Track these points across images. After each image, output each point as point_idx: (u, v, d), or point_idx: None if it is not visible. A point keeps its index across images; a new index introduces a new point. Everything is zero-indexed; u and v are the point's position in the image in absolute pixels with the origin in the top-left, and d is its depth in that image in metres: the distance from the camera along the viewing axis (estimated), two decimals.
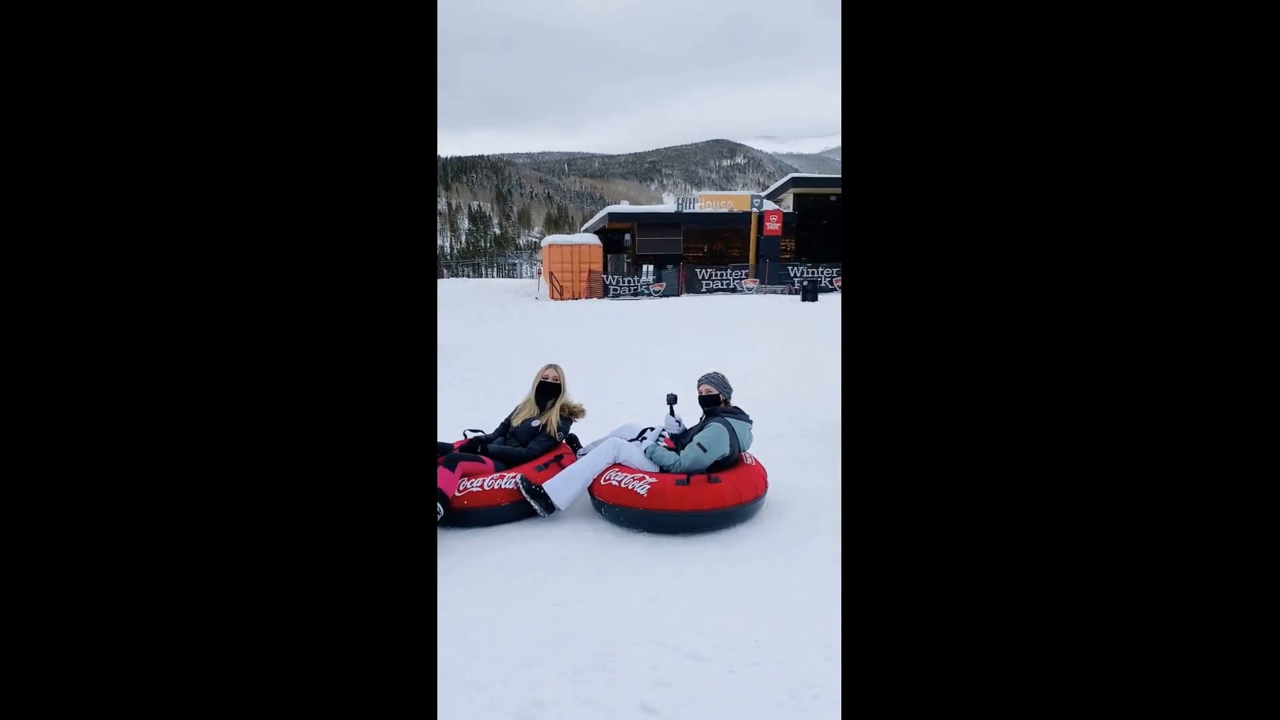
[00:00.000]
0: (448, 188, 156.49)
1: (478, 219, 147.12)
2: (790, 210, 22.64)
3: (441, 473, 2.68)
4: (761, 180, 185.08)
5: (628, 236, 23.05)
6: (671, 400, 3.18)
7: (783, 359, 7.06)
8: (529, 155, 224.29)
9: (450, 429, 3.54)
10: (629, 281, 19.75)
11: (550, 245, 21.20)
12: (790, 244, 22.44)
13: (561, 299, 19.14)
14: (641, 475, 2.67)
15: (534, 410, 3.14)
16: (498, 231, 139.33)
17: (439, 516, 2.57)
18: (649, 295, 19.01)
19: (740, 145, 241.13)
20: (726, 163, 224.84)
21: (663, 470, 2.77)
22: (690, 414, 3.25)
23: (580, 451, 3.15)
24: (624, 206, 24.90)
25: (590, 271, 20.22)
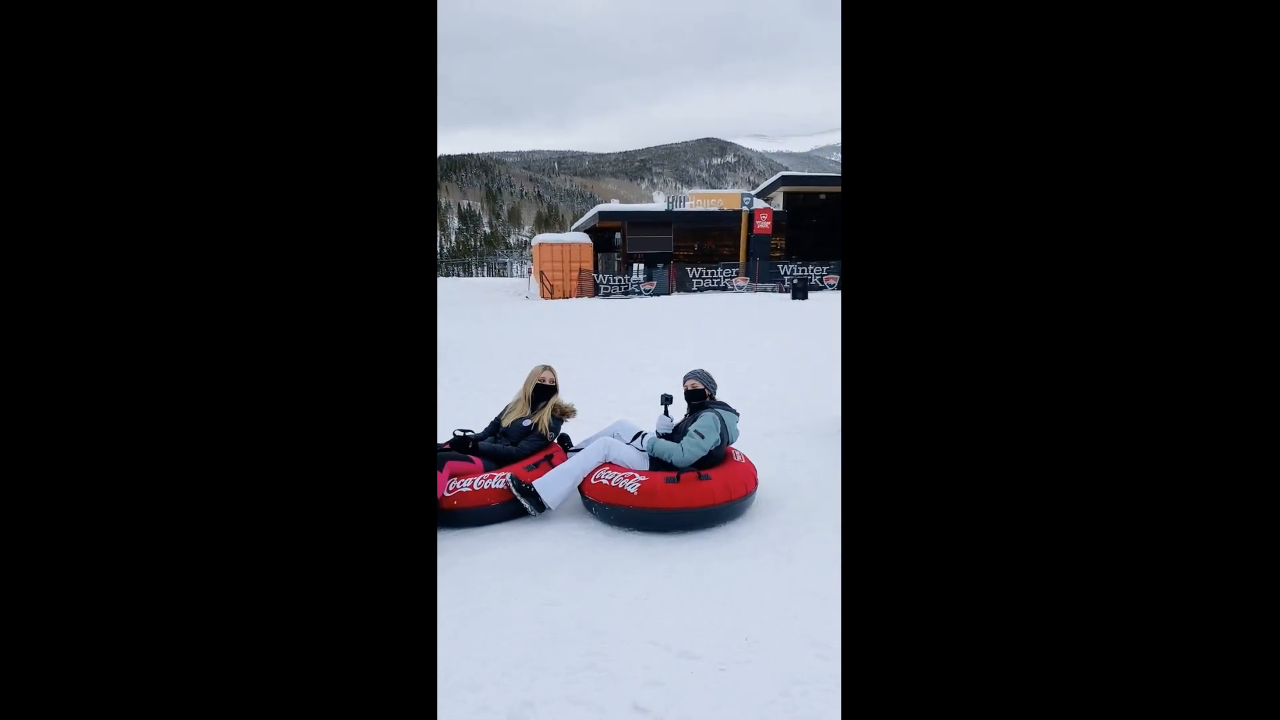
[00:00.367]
0: (438, 186, 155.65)
1: (468, 218, 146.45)
2: (780, 209, 22.71)
3: None
4: (752, 179, 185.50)
5: (618, 235, 23.03)
6: (666, 400, 3.19)
7: (773, 357, 7.08)
8: (519, 154, 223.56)
9: (439, 428, 3.52)
10: (620, 280, 19.74)
11: (541, 244, 21.15)
12: (780, 242, 22.51)
13: (552, 298, 19.10)
14: (632, 473, 2.67)
15: (525, 410, 3.13)
16: (488, 230, 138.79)
17: None
18: (640, 294, 19.00)
19: (730, 144, 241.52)
20: (717, 161, 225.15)
21: (661, 463, 2.77)
22: (680, 412, 3.25)
23: (572, 450, 3.14)
24: (614, 205, 24.88)
25: (581, 270, 20.19)
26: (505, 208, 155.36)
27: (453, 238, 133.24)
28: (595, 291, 19.33)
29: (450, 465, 2.74)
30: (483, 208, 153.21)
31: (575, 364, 6.44)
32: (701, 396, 2.99)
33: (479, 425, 3.52)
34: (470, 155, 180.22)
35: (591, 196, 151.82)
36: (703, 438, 2.76)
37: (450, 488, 2.69)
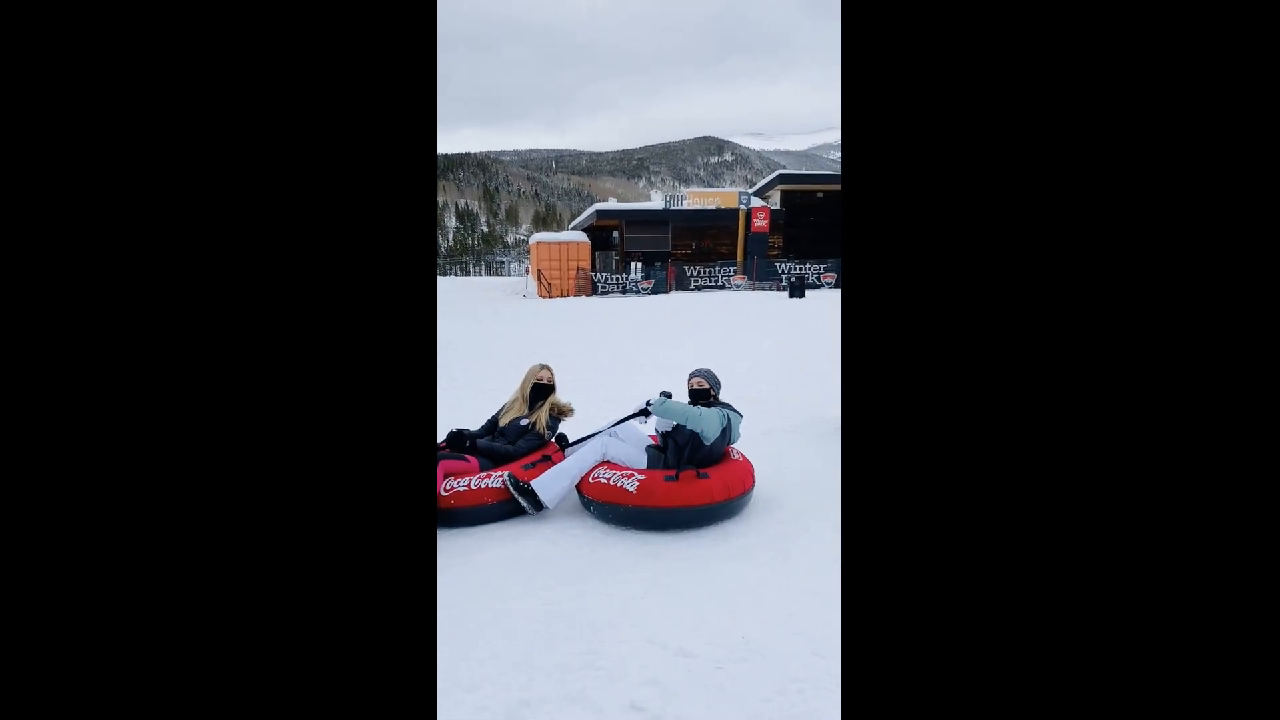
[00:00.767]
0: (438, 186, 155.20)
1: (465, 217, 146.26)
2: (778, 207, 22.71)
3: None
4: (749, 177, 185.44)
5: (616, 234, 23.02)
6: (666, 397, 3.18)
7: (771, 355, 7.08)
8: (516, 153, 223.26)
9: (437, 428, 3.51)
10: (617, 279, 19.73)
11: (538, 243, 21.12)
12: (778, 240, 22.51)
13: (550, 297, 19.09)
14: (630, 472, 2.67)
15: (523, 409, 3.13)
16: (485, 229, 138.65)
17: None
18: (637, 292, 19.00)
19: (728, 142, 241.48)
20: (714, 160, 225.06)
21: (658, 461, 2.77)
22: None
23: (569, 447, 3.14)
24: (612, 204, 24.88)
25: (578, 269, 20.18)
26: (503, 207, 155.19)
27: (450, 237, 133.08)
28: (593, 290, 19.32)
29: (445, 465, 2.74)
30: (480, 207, 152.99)
31: (572, 364, 6.43)
32: (706, 396, 2.97)
33: (476, 425, 3.52)
34: (467, 154, 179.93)
35: (589, 195, 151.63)
36: (700, 415, 2.74)
37: (447, 487, 2.69)
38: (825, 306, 12.31)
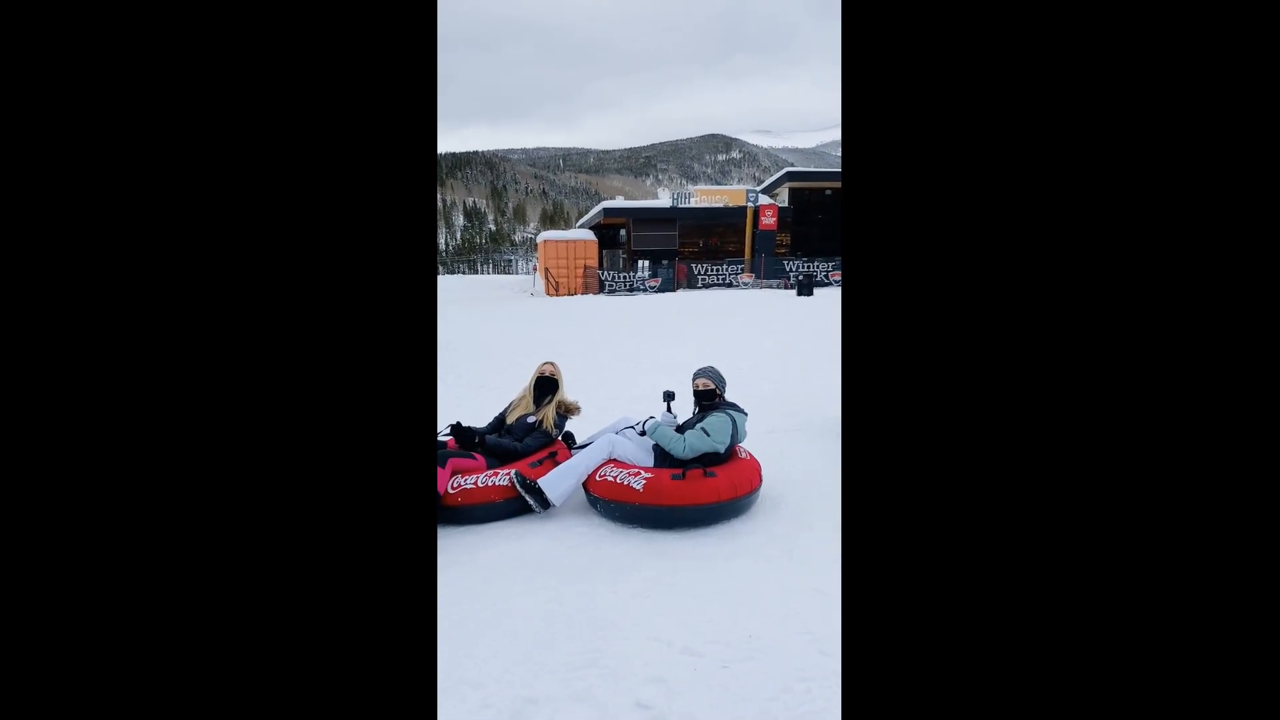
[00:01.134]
0: (442, 184, 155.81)
1: (473, 215, 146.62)
2: (785, 205, 22.63)
3: None
4: (757, 175, 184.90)
5: (623, 232, 23.01)
6: (669, 397, 3.17)
7: (777, 354, 7.06)
8: (524, 151, 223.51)
9: (442, 425, 3.53)
10: (625, 277, 19.73)
11: (546, 241, 21.15)
12: (786, 238, 22.44)
13: (557, 295, 19.11)
14: (637, 470, 2.67)
15: (530, 406, 3.13)
16: (493, 228, 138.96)
17: None
18: (645, 291, 18.99)
19: (735, 140, 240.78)
20: (722, 157, 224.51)
21: (661, 458, 2.77)
22: (685, 410, 3.24)
23: (576, 447, 3.14)
24: (619, 202, 24.86)
25: (586, 267, 20.19)
26: (510, 205, 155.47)
27: (458, 235, 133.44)
28: (600, 288, 19.33)
29: (453, 462, 2.75)
30: (488, 205, 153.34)
31: (579, 361, 6.44)
32: (712, 396, 2.94)
33: (482, 422, 3.53)
34: (475, 153, 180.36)
35: (596, 193, 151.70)
36: (708, 435, 2.72)
37: (454, 484, 2.70)
38: (832, 305, 12.25)
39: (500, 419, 3.20)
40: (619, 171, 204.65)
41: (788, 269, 19.72)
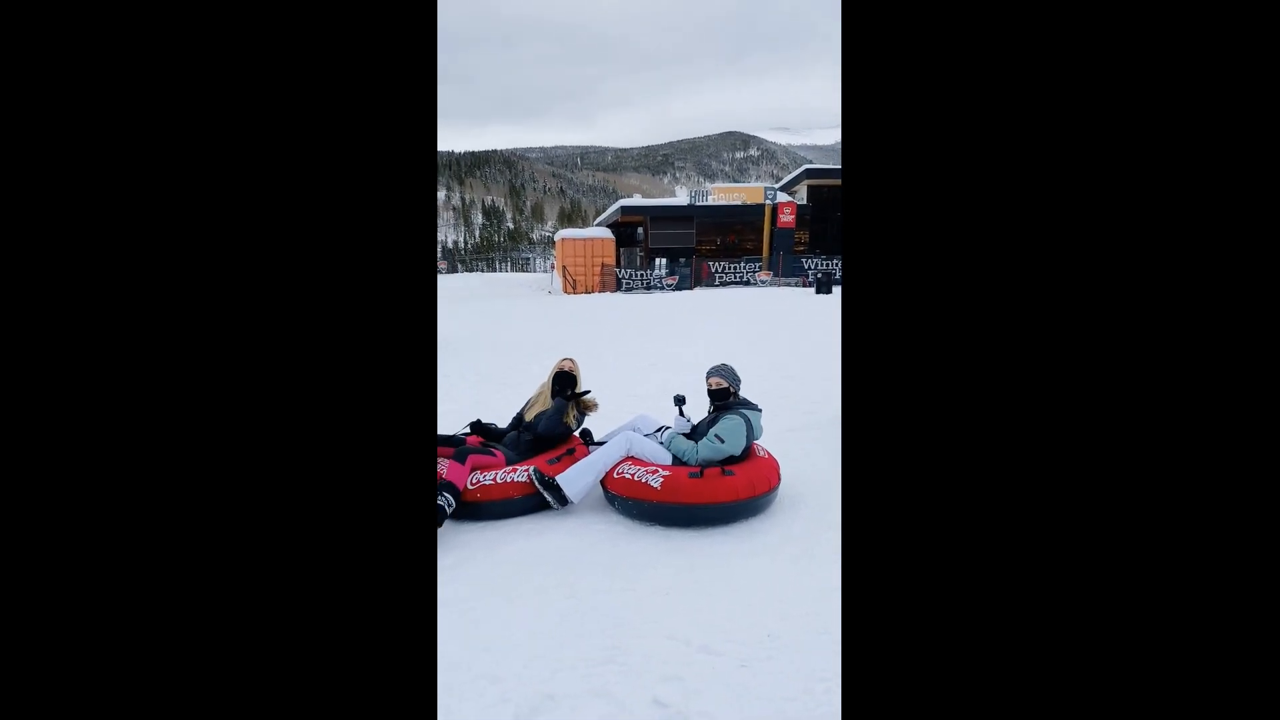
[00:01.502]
0: (461, 182, 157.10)
1: (491, 214, 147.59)
2: (804, 202, 22.44)
3: (451, 466, 2.69)
4: (775, 172, 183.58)
5: (640, 230, 23.00)
6: (680, 401, 3.17)
7: (795, 352, 7.00)
8: (542, 149, 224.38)
9: (461, 423, 3.55)
10: (642, 275, 19.72)
11: (563, 239, 21.21)
12: (804, 236, 22.25)
13: (574, 293, 19.16)
14: (654, 468, 2.66)
15: (548, 403, 3.14)
16: (511, 226, 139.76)
17: (450, 509, 2.58)
18: (662, 289, 18.96)
19: (753, 137, 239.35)
20: (740, 155, 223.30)
21: (677, 461, 2.76)
22: (698, 409, 3.23)
23: (594, 444, 3.14)
24: (637, 200, 24.85)
25: (603, 265, 20.22)
26: (528, 203, 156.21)
27: (477, 233, 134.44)
28: (617, 286, 19.35)
29: (473, 459, 2.77)
30: (506, 203, 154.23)
31: (596, 359, 6.44)
32: (726, 395, 2.91)
33: (502, 419, 3.55)
34: (494, 151, 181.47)
35: (613, 191, 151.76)
36: (722, 442, 2.70)
37: (473, 480, 2.71)
38: None
39: (519, 416, 3.22)
40: (636, 169, 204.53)
41: (806, 267, 19.56)
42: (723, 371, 2.97)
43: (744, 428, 2.74)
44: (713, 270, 19.75)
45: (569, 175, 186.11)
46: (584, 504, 2.86)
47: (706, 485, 2.54)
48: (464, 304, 13.93)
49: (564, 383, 3.08)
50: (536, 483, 2.71)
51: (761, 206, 21.19)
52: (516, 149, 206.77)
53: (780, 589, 2.08)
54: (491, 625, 1.90)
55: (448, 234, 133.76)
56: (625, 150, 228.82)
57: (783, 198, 21.41)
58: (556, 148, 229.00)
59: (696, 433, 2.93)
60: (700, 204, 22.00)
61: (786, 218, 20.67)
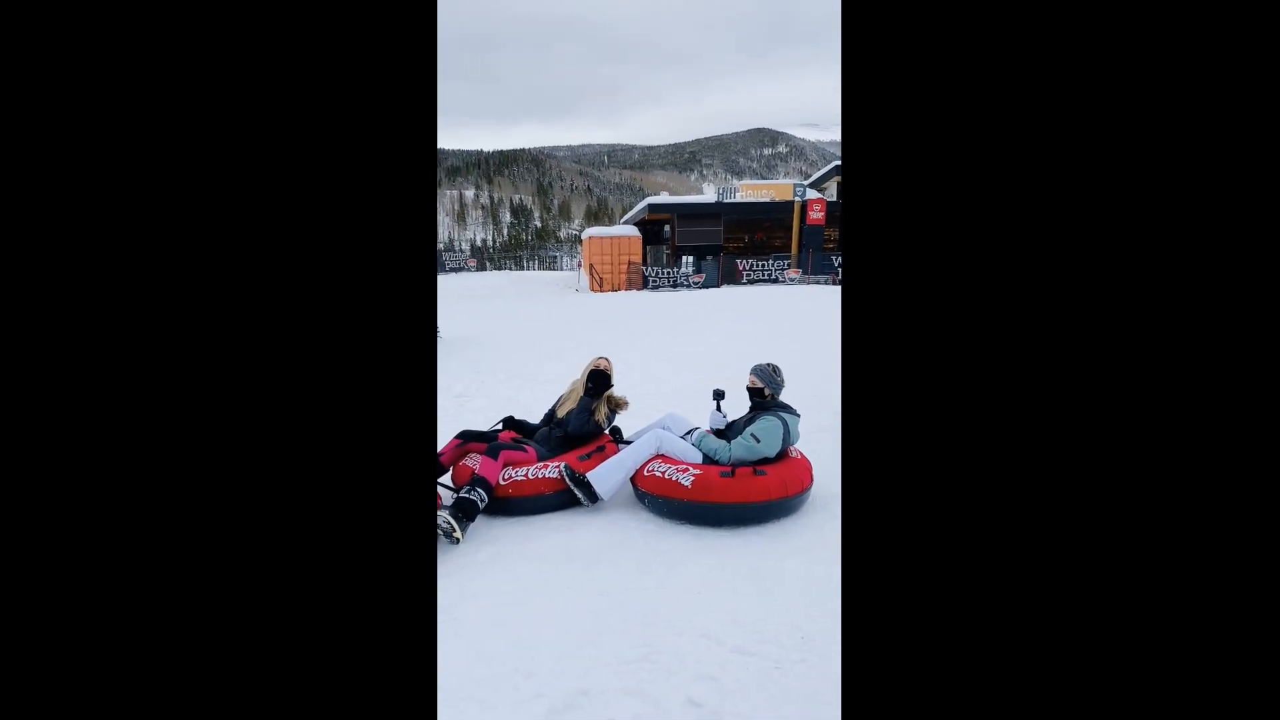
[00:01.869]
0: (490, 181, 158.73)
1: (519, 212, 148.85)
2: (834, 199, 22.13)
3: (485, 461, 2.72)
4: (804, 169, 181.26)
5: (667, 227, 22.94)
6: (719, 396, 3.14)
7: (826, 350, 6.90)
8: (569, 148, 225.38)
9: (494, 419, 3.59)
10: (668, 273, 19.67)
11: (590, 237, 21.27)
12: (833, 233, 21.94)
13: (601, 291, 19.21)
14: (685, 467, 2.65)
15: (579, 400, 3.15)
16: (539, 224, 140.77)
17: (484, 504, 2.60)
18: (688, 287, 18.90)
19: (782, 133, 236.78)
20: (768, 151, 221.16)
21: (708, 460, 2.74)
22: (736, 407, 3.20)
23: (623, 441, 3.14)
24: (664, 197, 24.77)
25: (630, 263, 20.22)
26: (556, 202, 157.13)
27: (505, 232, 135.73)
28: (644, 284, 19.34)
29: (505, 454, 2.79)
30: (534, 202, 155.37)
31: (624, 356, 6.45)
32: (761, 395, 2.88)
33: (528, 415, 3.57)
34: (522, 150, 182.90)
35: (640, 189, 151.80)
36: (758, 442, 2.66)
37: (505, 476, 2.74)
38: None
39: (551, 413, 3.24)
40: (663, 167, 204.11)
41: (836, 264, 19.28)
42: (758, 370, 2.92)
43: (780, 430, 2.69)
44: (739, 268, 19.60)
45: (596, 173, 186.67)
46: (614, 501, 2.86)
47: (738, 485, 2.52)
48: (492, 301, 14.07)
49: (599, 381, 3.08)
50: (567, 479, 2.72)
51: (790, 203, 20.96)
52: (544, 148, 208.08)
53: (814, 591, 2.05)
54: (524, 620, 1.92)
55: (476, 232, 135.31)
56: (652, 148, 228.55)
57: (812, 194, 21.14)
58: (584, 146, 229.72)
59: (732, 430, 2.90)
60: (728, 201, 21.86)
61: (816, 215, 20.41)
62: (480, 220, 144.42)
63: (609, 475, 2.76)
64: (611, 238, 20.92)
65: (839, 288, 15.99)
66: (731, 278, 19.50)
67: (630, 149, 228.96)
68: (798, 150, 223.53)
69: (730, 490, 2.52)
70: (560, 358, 6.37)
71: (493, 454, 2.75)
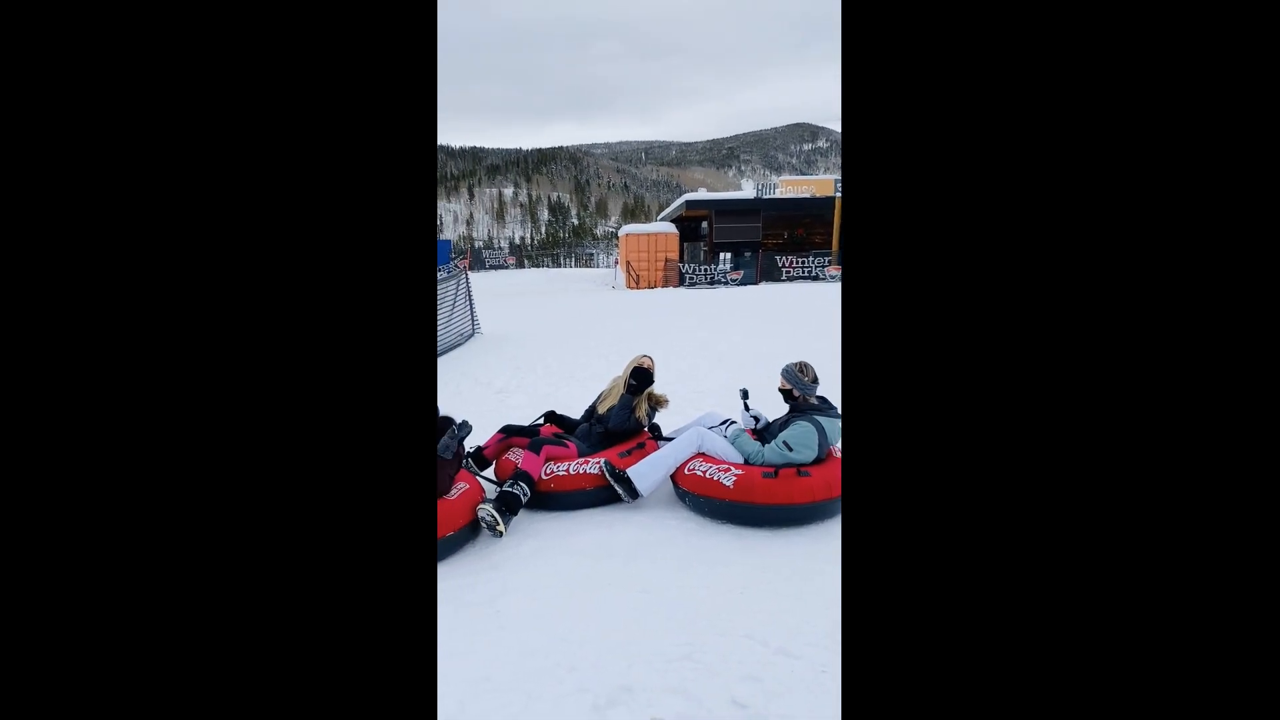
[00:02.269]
0: (528, 179, 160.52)
1: (556, 210, 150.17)
2: None
3: (527, 456, 2.75)
4: None
5: (705, 224, 22.81)
6: (744, 395, 3.11)
7: None
8: (606, 145, 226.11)
9: (533, 414, 3.62)
10: (705, 270, 19.56)
11: (627, 235, 21.31)
12: None
13: (637, 288, 19.23)
14: (727, 466, 2.63)
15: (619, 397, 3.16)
16: (576, 222, 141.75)
17: (526, 499, 2.64)
18: (726, 284, 18.76)
19: (821, 128, 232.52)
20: (808, 147, 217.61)
21: (745, 461, 2.71)
22: (769, 407, 3.17)
23: (662, 439, 3.14)
24: (701, 194, 24.64)
25: (666, 260, 20.18)
26: (593, 199, 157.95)
27: (543, 230, 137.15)
28: (680, 281, 19.28)
29: (546, 449, 2.82)
30: (571, 199, 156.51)
31: (659, 354, 6.44)
32: (792, 397, 2.82)
33: (565, 411, 3.60)
34: (560, 148, 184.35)
35: (678, 186, 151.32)
36: (790, 450, 2.60)
37: (547, 470, 2.77)
38: None
39: (591, 409, 3.26)
40: (700, 164, 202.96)
41: None
42: (785, 371, 2.84)
43: (814, 435, 2.61)
44: (778, 265, 19.35)
45: (633, 170, 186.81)
46: (653, 499, 2.86)
47: (781, 486, 2.49)
48: (529, 299, 14.24)
49: (641, 379, 3.08)
50: (608, 475, 2.73)
51: (831, 199, 20.59)
52: (582, 145, 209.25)
53: None
54: (566, 615, 1.93)
55: (515, 230, 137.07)
56: (689, 144, 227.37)
57: None
58: (621, 143, 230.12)
59: (769, 432, 2.87)
60: (767, 197, 21.60)
61: None
62: (518, 218, 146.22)
63: (650, 473, 2.76)
64: (648, 235, 20.90)
65: None
66: (771, 274, 19.27)
67: (668, 146, 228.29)
68: (838, 145, 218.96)
69: (774, 491, 2.49)
70: (597, 354, 6.40)
71: (535, 449, 2.78)
